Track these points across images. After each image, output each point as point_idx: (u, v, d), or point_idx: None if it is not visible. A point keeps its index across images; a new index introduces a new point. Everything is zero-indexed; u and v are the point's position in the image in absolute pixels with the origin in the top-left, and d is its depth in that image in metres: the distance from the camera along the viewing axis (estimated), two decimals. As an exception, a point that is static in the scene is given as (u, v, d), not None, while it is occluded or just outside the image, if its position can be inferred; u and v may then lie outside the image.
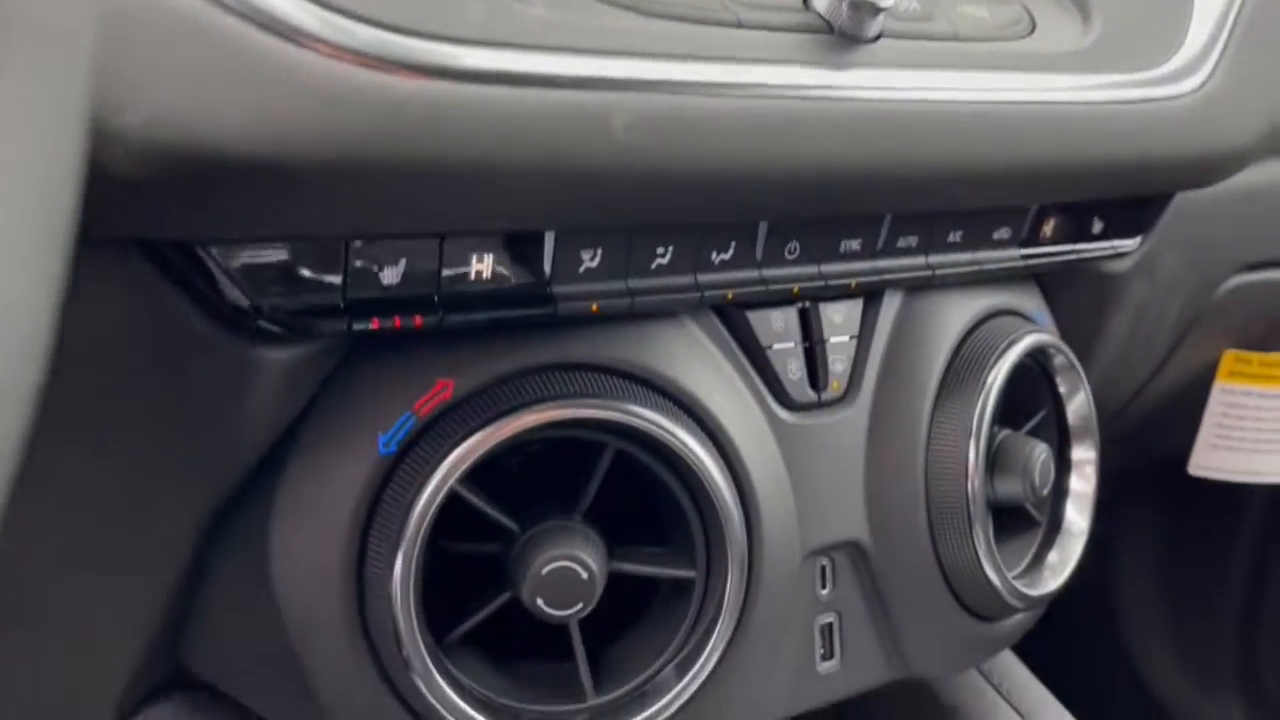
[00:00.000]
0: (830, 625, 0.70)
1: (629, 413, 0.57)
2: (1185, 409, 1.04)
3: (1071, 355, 0.77)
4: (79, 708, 0.67)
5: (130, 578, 0.59)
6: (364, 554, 0.55)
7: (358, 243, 0.49)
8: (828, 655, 0.70)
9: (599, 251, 0.56)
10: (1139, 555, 1.54)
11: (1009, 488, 0.72)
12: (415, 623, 0.55)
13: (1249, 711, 1.49)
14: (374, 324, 0.51)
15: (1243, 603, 1.50)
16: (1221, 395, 1.03)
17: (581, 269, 0.56)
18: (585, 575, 0.56)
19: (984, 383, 0.71)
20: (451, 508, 0.55)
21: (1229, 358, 1.02)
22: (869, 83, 0.56)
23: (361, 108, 0.42)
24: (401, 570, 0.54)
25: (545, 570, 0.56)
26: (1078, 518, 0.78)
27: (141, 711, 0.68)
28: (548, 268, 0.55)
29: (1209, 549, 1.51)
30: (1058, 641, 1.60)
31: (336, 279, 0.50)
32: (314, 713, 0.60)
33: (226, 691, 0.66)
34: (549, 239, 0.54)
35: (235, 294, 0.48)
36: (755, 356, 0.65)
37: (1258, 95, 0.75)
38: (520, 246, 0.54)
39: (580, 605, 0.56)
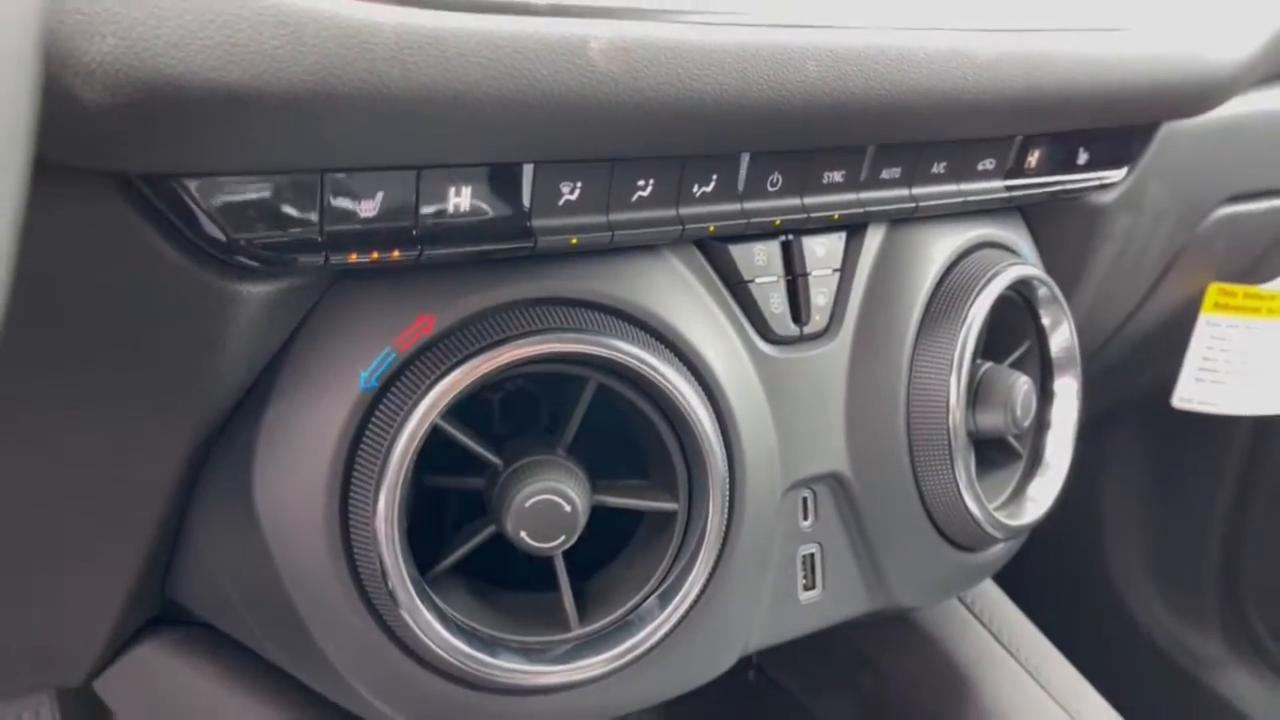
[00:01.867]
0: (812, 556, 0.70)
1: (611, 347, 0.57)
2: (1170, 342, 1.04)
3: (1055, 288, 0.77)
4: (69, 644, 0.68)
5: (115, 513, 0.59)
6: (347, 490, 0.55)
7: (334, 176, 0.49)
8: (809, 585, 0.71)
9: (579, 184, 0.55)
10: (1124, 487, 1.55)
11: (991, 420, 0.73)
12: (400, 557, 0.55)
13: (1230, 640, 1.52)
14: (352, 258, 0.51)
15: (1225, 534, 1.52)
16: (1206, 328, 1.03)
17: (561, 202, 0.56)
18: (568, 508, 0.56)
19: (966, 316, 0.71)
20: (434, 442, 0.55)
21: (1214, 290, 1.02)
22: (852, 11, 0.55)
23: (330, 36, 0.42)
24: (385, 506, 0.54)
25: (528, 503, 0.56)
26: (1059, 450, 0.78)
27: (131, 648, 0.69)
28: (527, 201, 0.54)
29: (1193, 481, 1.53)
30: (1042, 571, 1.63)
31: (313, 213, 0.49)
32: (303, 646, 0.61)
33: (216, 626, 0.67)
34: (527, 171, 0.54)
35: (212, 229, 0.47)
36: (737, 290, 0.65)
37: (1244, 24, 0.75)
38: (499, 179, 0.53)
39: (563, 538, 0.57)
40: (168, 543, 0.62)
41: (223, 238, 0.47)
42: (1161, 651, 1.54)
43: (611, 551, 0.63)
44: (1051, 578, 1.66)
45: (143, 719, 0.80)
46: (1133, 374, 1.13)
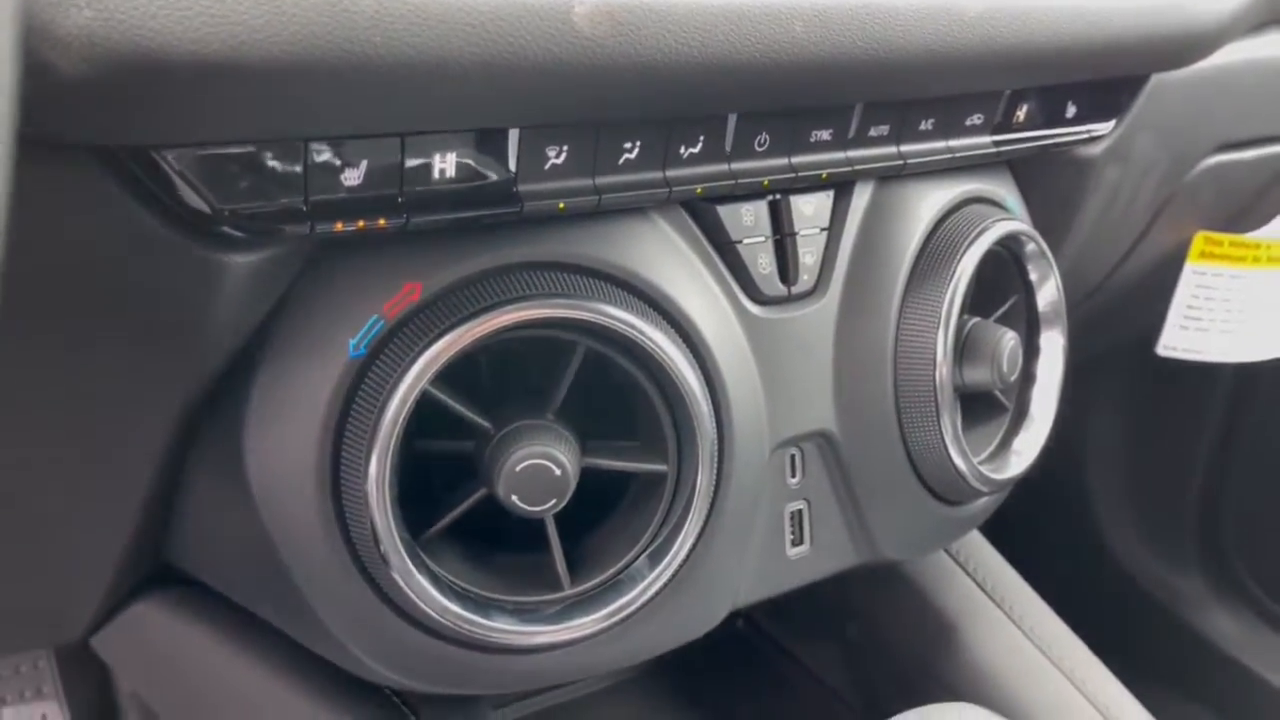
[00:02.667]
0: (800, 512, 0.71)
1: (598, 312, 0.57)
2: (1156, 291, 1.04)
3: (1042, 243, 0.77)
4: (67, 604, 0.69)
5: (109, 480, 0.60)
6: (338, 456, 0.56)
7: (318, 145, 0.48)
8: (797, 541, 0.72)
9: (565, 148, 0.55)
10: (1108, 434, 1.57)
11: (977, 375, 0.73)
12: (392, 521, 0.56)
13: (1210, 582, 1.55)
14: (338, 227, 0.51)
15: (1206, 480, 1.54)
16: (1192, 276, 1.03)
17: (547, 166, 0.55)
18: (558, 472, 0.57)
19: (953, 272, 0.71)
20: (424, 406, 0.56)
21: (1200, 239, 1.02)
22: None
23: (311, 5, 0.41)
24: (376, 470, 0.55)
25: (519, 468, 0.56)
26: (1044, 404, 0.79)
27: (128, 606, 0.70)
28: (513, 165, 0.54)
29: (1176, 426, 1.54)
30: (1029, 519, 1.65)
31: (298, 181, 0.49)
32: (296, 607, 0.61)
33: (211, 586, 0.67)
34: (513, 136, 0.53)
35: (196, 200, 0.47)
36: (725, 251, 0.65)
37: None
38: (484, 144, 0.53)
39: (554, 501, 0.58)
40: (162, 507, 0.63)
41: (206, 209, 0.47)
42: (1143, 591, 1.57)
43: (603, 511, 0.64)
44: (1036, 519, 1.69)
45: (138, 673, 0.81)
46: (1119, 322, 1.14)
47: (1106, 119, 0.80)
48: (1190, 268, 1.03)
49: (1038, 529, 1.64)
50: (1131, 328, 1.13)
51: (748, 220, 0.65)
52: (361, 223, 0.51)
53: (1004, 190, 0.79)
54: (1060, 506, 1.61)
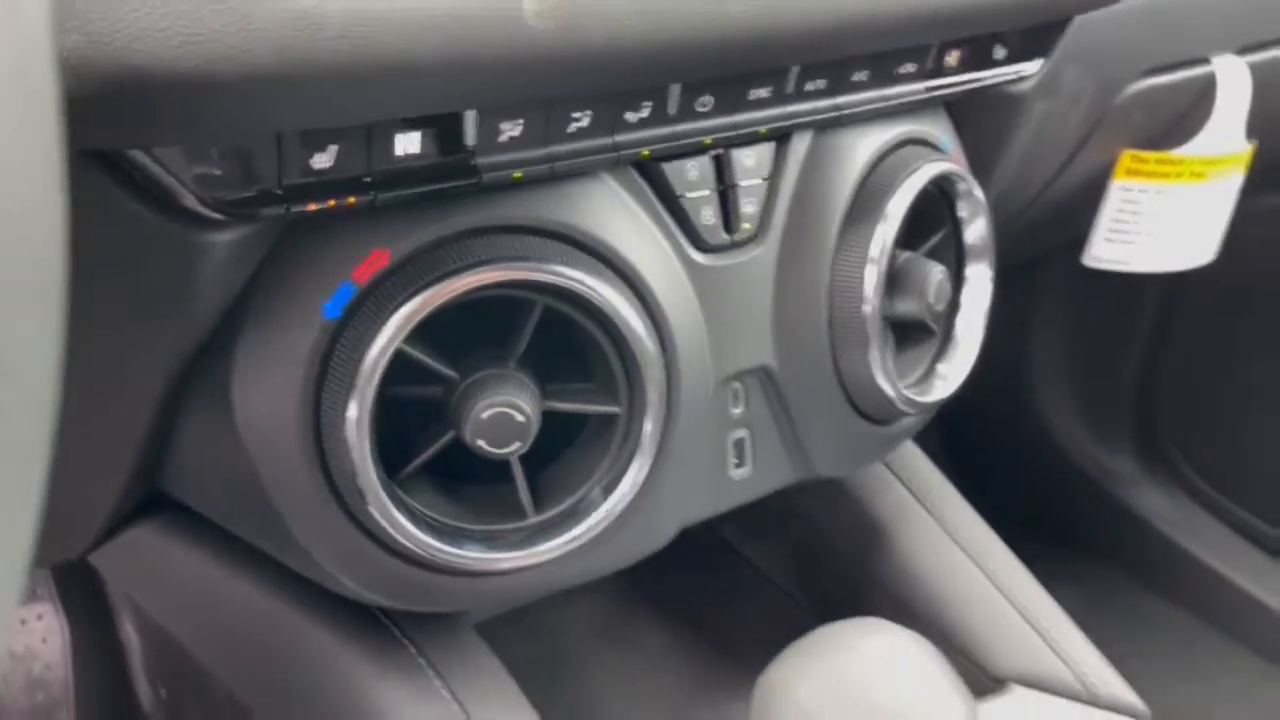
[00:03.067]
0: (742, 440, 0.77)
1: (554, 272, 0.62)
2: (1085, 207, 1.09)
3: (972, 181, 0.82)
4: (69, 528, 0.74)
5: (110, 422, 0.65)
6: (319, 407, 0.61)
7: (290, 137, 0.53)
8: (740, 464, 0.78)
9: (519, 122, 0.59)
10: (1051, 326, 1.63)
11: (907, 306, 0.79)
12: (369, 462, 0.61)
13: (1144, 463, 1.65)
14: (310, 207, 0.55)
15: (1142, 369, 1.62)
16: (1118, 192, 1.08)
17: (503, 139, 0.59)
18: (521, 418, 0.62)
19: (884, 212, 0.75)
20: (396, 358, 0.61)
21: (1126, 157, 1.06)
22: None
23: (279, 22, 0.45)
24: (355, 416, 0.60)
25: (484, 415, 0.62)
26: (969, 331, 0.84)
27: (125, 528, 0.76)
28: (471, 141, 0.58)
29: (1114, 322, 1.61)
30: (977, 411, 1.72)
31: (273, 169, 0.53)
32: (283, 536, 0.67)
33: (204, 514, 0.73)
34: (470, 115, 0.57)
35: (180, 190, 0.51)
36: (671, 205, 0.70)
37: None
38: (444, 125, 0.57)
39: (517, 444, 0.63)
40: (158, 446, 0.68)
41: (190, 198, 0.51)
42: (1082, 472, 1.67)
43: (563, 446, 0.70)
44: (983, 404, 1.76)
45: (135, 585, 0.87)
46: (1052, 233, 1.19)
47: (1034, 58, 0.84)
48: (1116, 184, 1.08)
49: (986, 416, 1.72)
50: (1066, 236, 1.18)
51: (692, 175, 0.70)
52: (332, 202, 0.56)
53: (939, 130, 0.83)
54: (1007, 396, 1.69)
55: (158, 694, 1.03)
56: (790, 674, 0.45)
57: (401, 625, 0.77)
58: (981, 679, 0.83)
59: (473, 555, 0.66)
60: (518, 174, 0.61)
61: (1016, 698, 0.82)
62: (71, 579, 1.14)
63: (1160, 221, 1.10)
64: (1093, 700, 0.82)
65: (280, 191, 0.54)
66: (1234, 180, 1.08)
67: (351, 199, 0.56)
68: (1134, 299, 1.58)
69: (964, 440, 1.77)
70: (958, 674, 0.45)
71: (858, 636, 0.46)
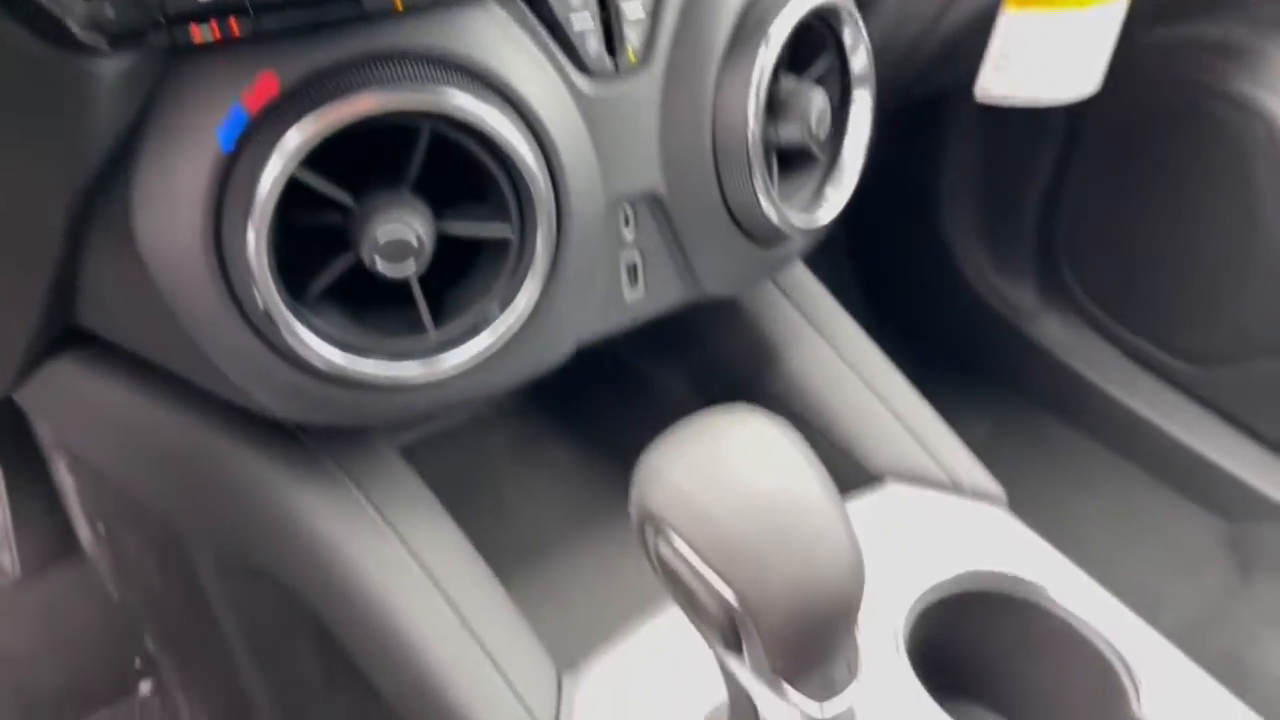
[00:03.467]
0: (635, 263, 0.81)
1: (439, 95, 0.64)
2: (977, 40, 1.12)
3: (855, 11, 0.84)
4: None
5: (16, 254, 0.67)
6: (219, 233, 0.64)
7: None
8: (634, 285, 0.82)
9: (398, -54, 0.61)
10: (959, 155, 1.66)
11: (789, 132, 0.82)
12: (272, 284, 0.64)
13: (1044, 292, 1.70)
14: (194, 31, 0.57)
15: (1042, 203, 1.66)
16: (1007, 23, 1.11)
17: (383, -39, 0.61)
18: (414, 239, 0.66)
19: (765, 38, 0.78)
20: (296, 188, 0.63)
21: (1013, -12, 1.09)
22: None
23: None
24: (254, 242, 0.62)
25: (379, 236, 0.65)
26: (853, 157, 0.88)
27: (43, 364, 0.78)
28: None
29: (1017, 156, 1.64)
30: (884, 226, 1.76)
31: None
32: (197, 359, 0.70)
33: (121, 344, 0.75)
34: None
35: (64, 17, 0.53)
36: (557, 32, 0.72)
37: None
38: None
39: (413, 262, 0.66)
40: (68, 278, 0.70)
41: (75, 26, 0.53)
42: (983, 301, 1.72)
43: (463, 274, 0.73)
44: (895, 240, 1.80)
45: (60, 420, 0.90)
46: (949, 69, 1.22)
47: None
48: (1005, 15, 1.10)
49: (892, 238, 1.76)
50: (961, 73, 1.20)
51: (576, 3, 0.72)
52: (214, 24, 0.57)
53: (821, -42, 0.85)
54: (917, 229, 1.73)
55: (95, 530, 1.06)
56: (666, 457, 0.50)
57: (327, 447, 0.81)
58: (861, 473, 0.91)
59: (380, 371, 0.69)
60: (398, 2, 0.62)
61: (889, 490, 0.89)
62: (3, 428, 1.16)
63: (1050, 50, 1.12)
64: (956, 488, 0.90)
65: (163, 18, 0.55)
66: (1115, 9, 1.12)
67: (233, 22, 0.58)
68: (1036, 136, 1.62)
69: (880, 280, 1.82)
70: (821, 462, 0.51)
71: (729, 422, 0.51)
